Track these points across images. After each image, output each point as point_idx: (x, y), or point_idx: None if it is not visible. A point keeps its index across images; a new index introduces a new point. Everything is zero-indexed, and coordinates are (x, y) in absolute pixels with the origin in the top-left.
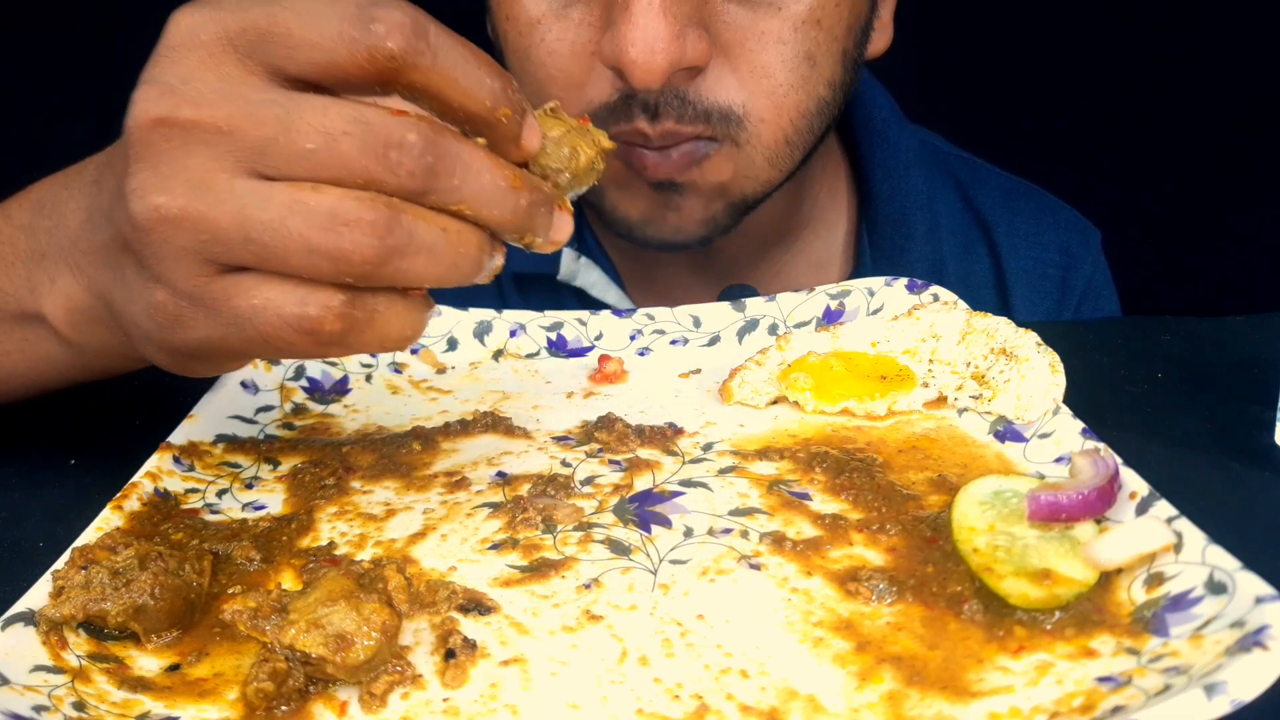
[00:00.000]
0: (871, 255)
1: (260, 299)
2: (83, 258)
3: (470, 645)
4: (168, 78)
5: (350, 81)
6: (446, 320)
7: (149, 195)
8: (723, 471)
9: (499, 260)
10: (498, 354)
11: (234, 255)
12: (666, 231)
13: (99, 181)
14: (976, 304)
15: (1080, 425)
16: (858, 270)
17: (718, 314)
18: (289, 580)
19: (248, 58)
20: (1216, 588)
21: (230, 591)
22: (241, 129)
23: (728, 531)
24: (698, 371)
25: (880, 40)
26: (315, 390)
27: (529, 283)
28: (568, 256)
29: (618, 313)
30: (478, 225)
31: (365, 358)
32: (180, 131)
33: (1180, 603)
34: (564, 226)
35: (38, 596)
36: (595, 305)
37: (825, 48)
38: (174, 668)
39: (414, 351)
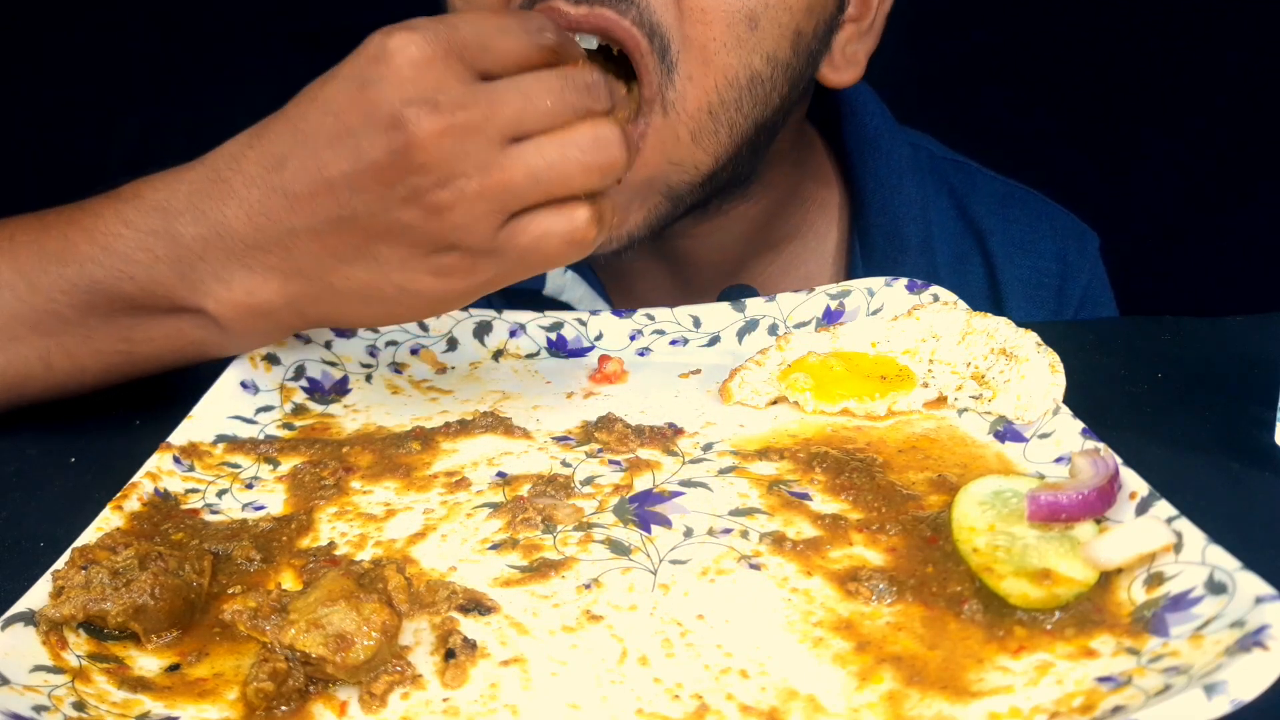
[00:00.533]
0: (864, 268)
1: (538, 230)
2: (275, 262)
3: (470, 645)
4: (427, 91)
5: (530, 68)
6: (446, 320)
7: (449, 185)
8: (723, 471)
9: None
10: (498, 354)
11: (525, 200)
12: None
13: (274, 191)
14: None
15: (1080, 425)
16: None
17: (718, 314)
18: (289, 580)
19: (468, 65)
20: (1216, 588)
21: (230, 591)
22: (497, 113)
23: (728, 531)
24: (698, 372)
25: (849, 73)
26: (315, 390)
27: (516, 298)
28: (554, 272)
29: (618, 313)
30: None
31: (365, 357)
32: (457, 132)
33: (1180, 603)
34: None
35: (38, 596)
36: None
37: (773, 15)
38: (174, 668)
39: (414, 352)
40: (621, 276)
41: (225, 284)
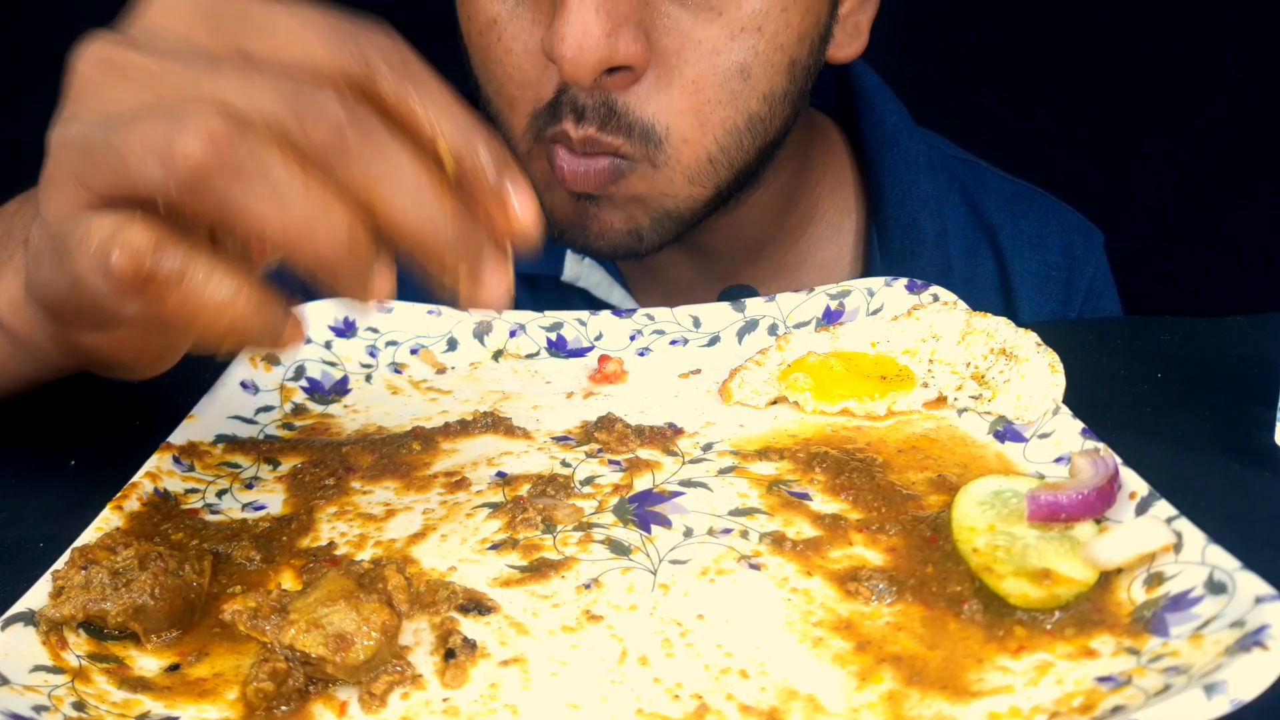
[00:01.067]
0: (882, 259)
1: (87, 227)
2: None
3: (470, 645)
4: (129, 30)
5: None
6: (446, 320)
7: (57, 125)
8: (722, 472)
9: (382, 279)
10: (498, 354)
11: (96, 168)
12: (590, 238)
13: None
14: (982, 307)
15: (1080, 425)
16: (866, 274)
17: (718, 314)
18: (289, 580)
19: (218, 31)
20: (1216, 587)
21: (230, 591)
22: (178, 70)
23: (728, 531)
24: (698, 372)
25: (853, 46)
26: (315, 390)
27: (534, 283)
28: (572, 258)
29: (617, 313)
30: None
31: (365, 357)
32: (117, 69)
33: (1180, 602)
34: (504, 277)
35: (38, 596)
36: (599, 306)
37: (765, 58)
38: (174, 668)
39: (414, 352)
40: (642, 264)
41: (1, 281)
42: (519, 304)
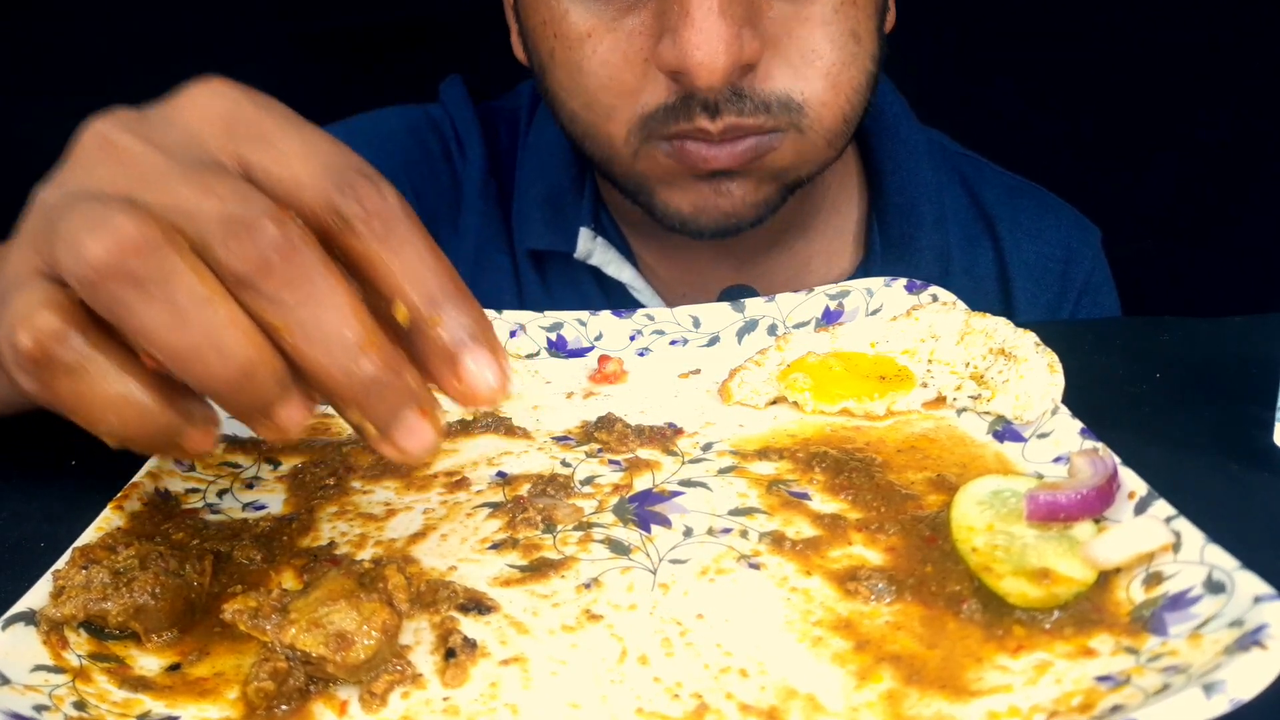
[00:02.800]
0: (881, 244)
1: (18, 294)
2: None
3: (470, 645)
4: (150, 112)
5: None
6: None
7: (44, 188)
8: (722, 471)
9: (291, 414)
10: None
11: (42, 239)
12: (718, 218)
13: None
14: (980, 296)
15: (1079, 425)
16: (868, 258)
17: (717, 314)
18: (290, 580)
19: (228, 140)
20: (1215, 587)
21: (231, 591)
22: (160, 175)
23: (727, 531)
24: (697, 372)
25: (890, 17)
26: None
27: (544, 260)
28: (584, 236)
29: (617, 313)
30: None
31: None
32: (112, 150)
33: (1179, 602)
34: (421, 437)
35: (38, 596)
36: (610, 284)
37: (865, 24)
38: (174, 667)
39: None
40: (653, 240)
41: None
42: (526, 280)
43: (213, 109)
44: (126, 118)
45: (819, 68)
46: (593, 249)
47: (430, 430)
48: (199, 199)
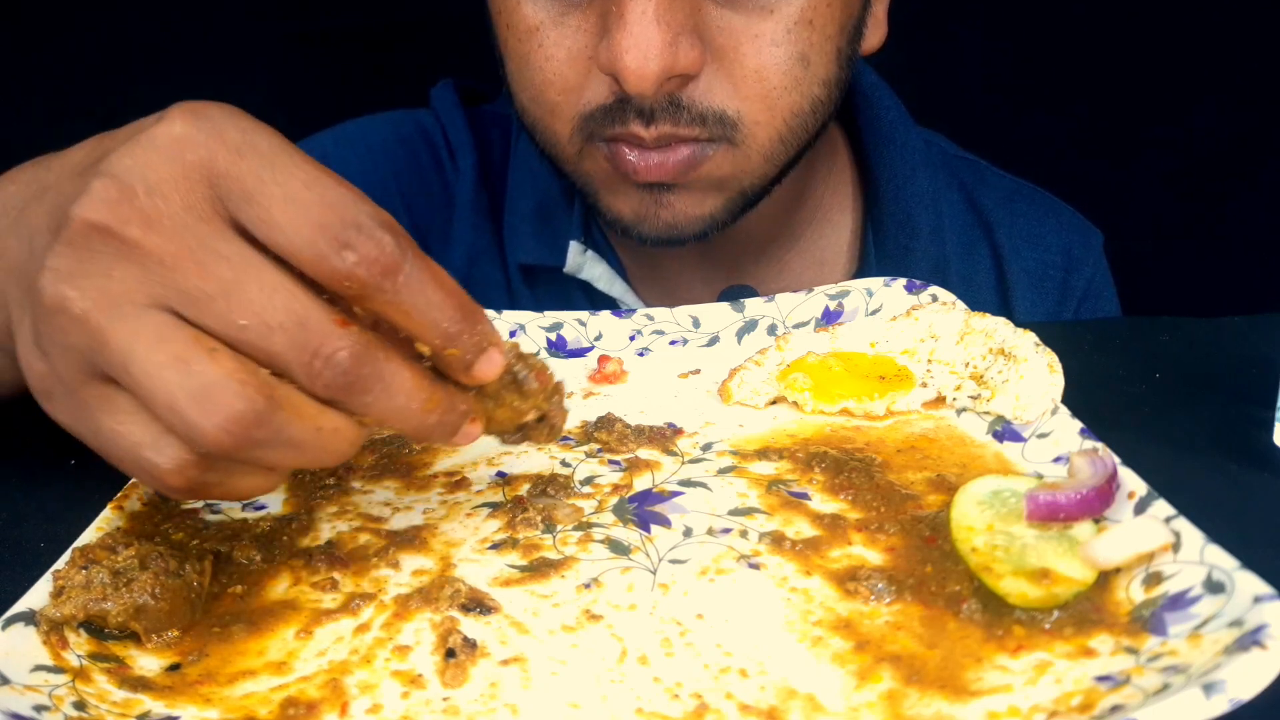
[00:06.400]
0: (876, 254)
1: (124, 425)
2: None
3: (470, 645)
4: (133, 181)
5: (306, 276)
6: None
7: (62, 283)
8: (722, 471)
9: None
10: None
11: (112, 373)
12: (660, 228)
13: (24, 213)
14: (978, 305)
15: (1078, 425)
16: (862, 269)
17: (717, 314)
18: (288, 580)
19: (219, 201)
20: (1215, 587)
21: (230, 591)
22: (183, 271)
23: (727, 531)
24: (697, 372)
25: (875, 36)
26: None
27: (535, 274)
28: (574, 250)
29: (617, 313)
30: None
31: None
32: (120, 245)
33: (1178, 602)
34: (469, 436)
35: (38, 596)
36: (601, 298)
37: (819, 47)
38: (174, 667)
39: None
40: (643, 255)
41: None
42: (518, 295)
43: (191, 164)
44: (107, 199)
45: (759, 89)
46: (583, 263)
47: (478, 429)
48: (267, 343)
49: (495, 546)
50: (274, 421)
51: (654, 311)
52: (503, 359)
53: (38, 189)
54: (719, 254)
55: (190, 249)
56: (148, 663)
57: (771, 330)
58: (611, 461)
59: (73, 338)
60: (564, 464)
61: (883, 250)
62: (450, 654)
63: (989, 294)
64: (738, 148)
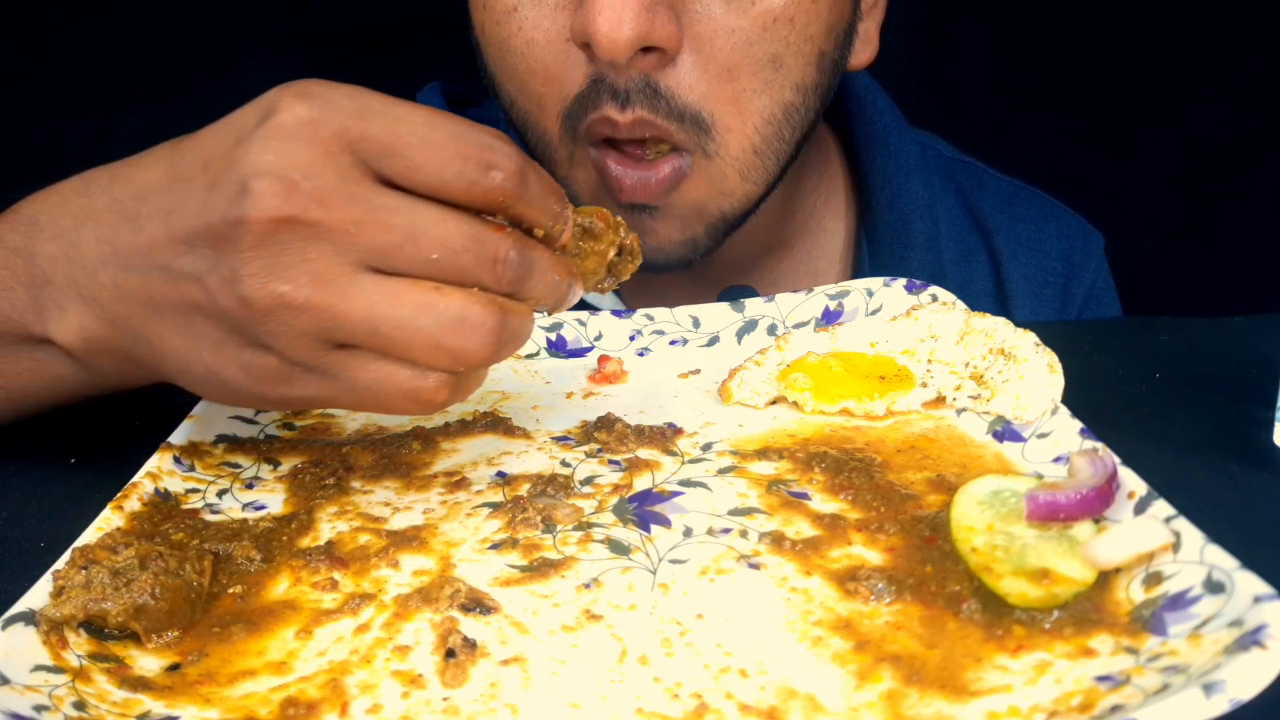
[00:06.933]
0: (871, 264)
1: (380, 373)
2: (105, 295)
3: (470, 644)
4: (288, 170)
5: (457, 203)
6: None
7: (269, 282)
8: (722, 471)
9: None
10: None
11: (355, 340)
12: (646, 253)
13: (130, 221)
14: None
15: (1078, 425)
16: (856, 278)
17: (717, 314)
18: (288, 580)
19: (362, 164)
20: (1215, 587)
21: (230, 591)
22: (368, 232)
23: (727, 531)
24: (697, 372)
25: (865, 53)
26: None
27: None
28: None
29: (617, 313)
30: None
31: None
32: (305, 229)
33: (1178, 602)
34: (577, 295)
35: (38, 596)
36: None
37: (796, 48)
38: (174, 667)
39: None
40: (636, 271)
41: (63, 312)
42: None
43: (328, 140)
44: (276, 193)
45: (728, 91)
46: None
47: (580, 287)
48: (446, 253)
49: (495, 546)
50: (509, 324)
51: (654, 311)
52: (572, 217)
53: (116, 218)
54: (710, 267)
55: (363, 212)
56: (148, 663)
57: (771, 330)
58: (611, 461)
59: (302, 324)
60: (564, 464)
61: (877, 259)
62: (450, 654)
63: (987, 302)
64: (712, 160)
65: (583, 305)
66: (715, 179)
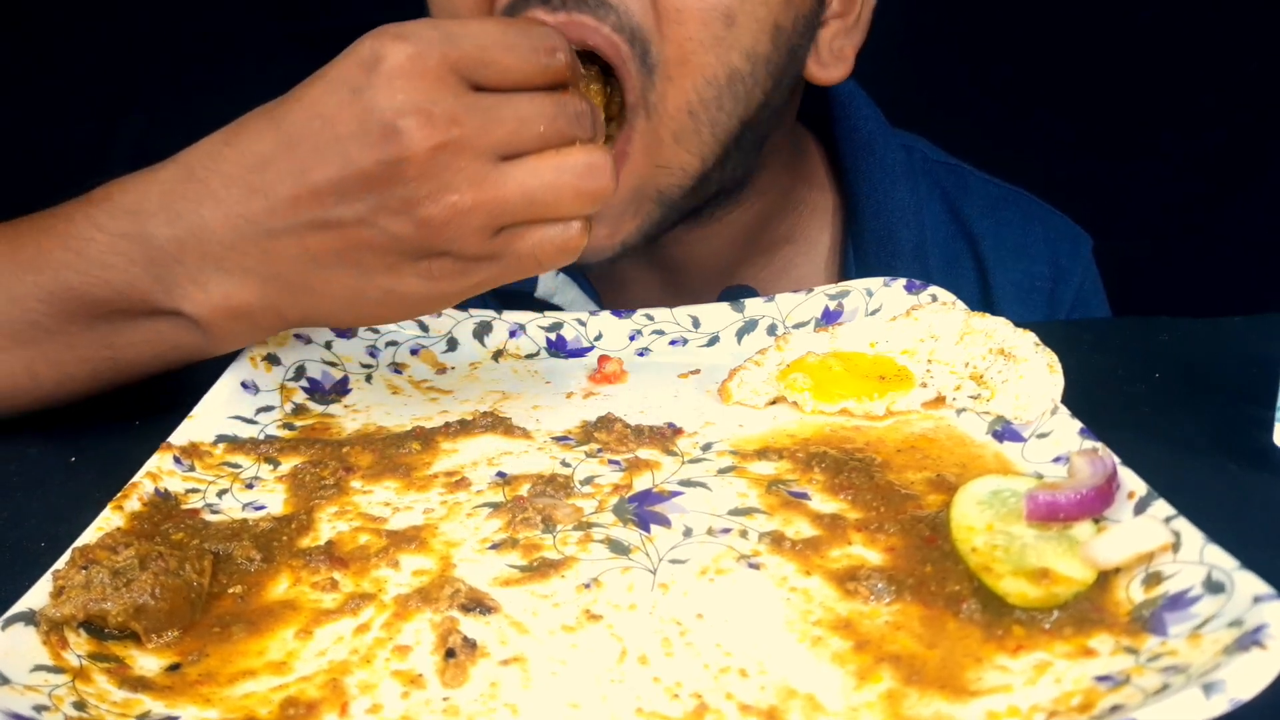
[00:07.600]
0: (857, 272)
1: (535, 237)
2: (252, 263)
3: (470, 644)
4: (421, 103)
5: (535, 87)
6: (446, 321)
7: (441, 198)
8: (722, 471)
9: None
10: (497, 354)
11: (517, 217)
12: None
13: (256, 192)
14: None
15: (1078, 425)
16: None
17: (717, 314)
18: (288, 580)
19: (463, 81)
20: (1214, 587)
21: (230, 591)
22: (491, 131)
23: (727, 531)
24: (697, 372)
25: (838, 69)
26: (315, 391)
27: (509, 300)
28: (546, 275)
29: (617, 313)
30: None
31: (365, 357)
32: (451, 147)
33: (1178, 602)
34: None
35: (38, 596)
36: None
37: (749, 10)
38: (174, 667)
39: (414, 352)
40: (614, 281)
41: (202, 286)
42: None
43: (434, 70)
44: (422, 125)
45: (676, 33)
46: (554, 288)
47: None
48: (549, 123)
49: (495, 546)
50: (610, 159)
51: (654, 311)
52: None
53: (241, 192)
54: (686, 276)
55: (483, 118)
56: (148, 663)
57: (771, 330)
58: (611, 461)
59: (474, 221)
60: (564, 464)
61: (864, 268)
62: (450, 654)
63: (974, 309)
64: (651, 120)
65: (555, 306)
66: (652, 148)
